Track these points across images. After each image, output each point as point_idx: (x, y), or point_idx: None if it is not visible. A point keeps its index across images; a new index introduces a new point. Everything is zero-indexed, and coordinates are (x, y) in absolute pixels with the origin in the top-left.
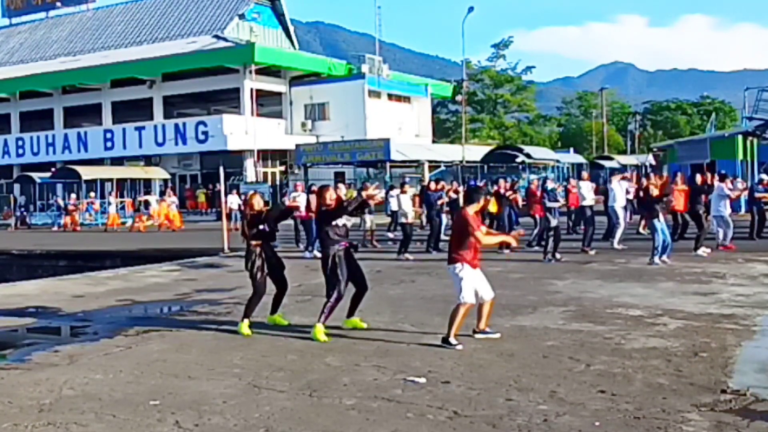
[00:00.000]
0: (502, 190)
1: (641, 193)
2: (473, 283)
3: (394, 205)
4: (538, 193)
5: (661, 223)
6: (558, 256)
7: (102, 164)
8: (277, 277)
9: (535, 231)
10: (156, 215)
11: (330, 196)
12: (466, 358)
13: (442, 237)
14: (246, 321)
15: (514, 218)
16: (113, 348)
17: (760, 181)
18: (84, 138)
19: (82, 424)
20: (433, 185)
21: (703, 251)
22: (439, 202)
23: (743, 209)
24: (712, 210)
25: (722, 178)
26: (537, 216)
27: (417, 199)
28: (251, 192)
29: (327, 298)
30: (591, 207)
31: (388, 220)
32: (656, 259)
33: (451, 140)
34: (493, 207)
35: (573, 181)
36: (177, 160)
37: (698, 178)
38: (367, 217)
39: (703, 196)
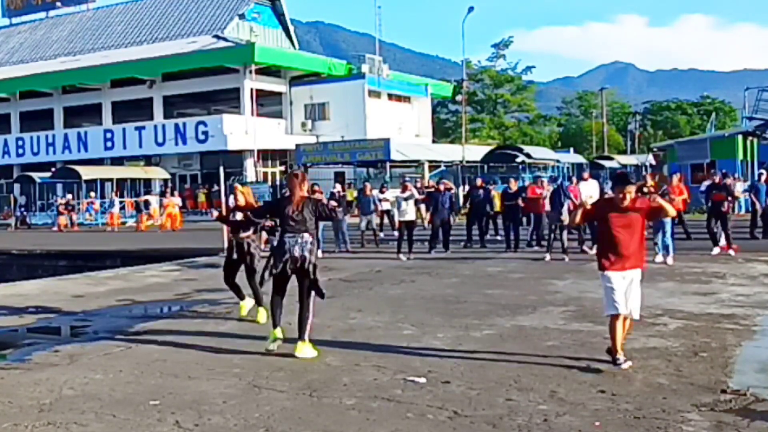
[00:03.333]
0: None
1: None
2: (617, 292)
3: (386, 205)
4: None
5: (667, 222)
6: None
7: (102, 164)
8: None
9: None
10: (155, 214)
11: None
12: (466, 358)
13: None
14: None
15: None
16: (113, 348)
17: (760, 176)
18: (84, 138)
19: (82, 424)
20: (442, 186)
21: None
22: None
23: (743, 209)
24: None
25: (723, 177)
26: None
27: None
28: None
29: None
30: None
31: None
32: (669, 259)
33: (451, 140)
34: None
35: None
36: (177, 160)
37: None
38: (373, 216)
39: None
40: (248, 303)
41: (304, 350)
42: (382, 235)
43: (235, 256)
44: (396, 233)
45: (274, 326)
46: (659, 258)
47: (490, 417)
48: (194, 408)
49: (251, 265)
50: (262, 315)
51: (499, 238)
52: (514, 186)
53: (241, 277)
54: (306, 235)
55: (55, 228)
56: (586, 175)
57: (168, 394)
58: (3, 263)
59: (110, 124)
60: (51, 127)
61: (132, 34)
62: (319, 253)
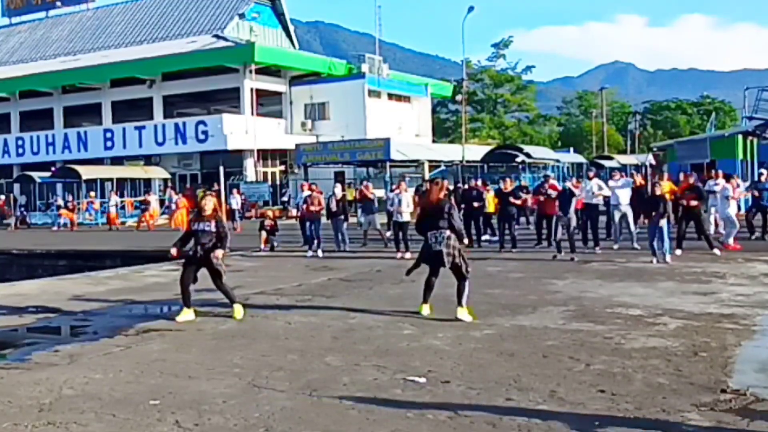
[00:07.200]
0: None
1: (650, 191)
2: None
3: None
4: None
5: (665, 222)
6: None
7: (102, 164)
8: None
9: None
10: (155, 214)
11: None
12: (466, 358)
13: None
14: (184, 309)
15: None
16: (113, 348)
17: (760, 175)
18: (84, 138)
19: (82, 423)
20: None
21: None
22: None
23: (743, 209)
24: (719, 211)
25: (727, 179)
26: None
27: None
28: (207, 192)
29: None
30: (597, 206)
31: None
32: (668, 257)
33: (451, 140)
34: (491, 207)
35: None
36: (177, 160)
37: (682, 176)
38: (376, 217)
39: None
40: (190, 315)
41: (463, 314)
42: (389, 234)
43: (199, 254)
44: (391, 233)
45: (424, 301)
46: (668, 258)
47: (490, 417)
48: (194, 408)
49: (215, 267)
50: (239, 311)
51: (494, 238)
52: (509, 186)
53: (240, 278)
54: (444, 231)
55: (55, 227)
56: (591, 174)
57: (168, 394)
58: (3, 263)
59: (110, 123)
60: (51, 127)
61: (132, 34)
62: (320, 253)
